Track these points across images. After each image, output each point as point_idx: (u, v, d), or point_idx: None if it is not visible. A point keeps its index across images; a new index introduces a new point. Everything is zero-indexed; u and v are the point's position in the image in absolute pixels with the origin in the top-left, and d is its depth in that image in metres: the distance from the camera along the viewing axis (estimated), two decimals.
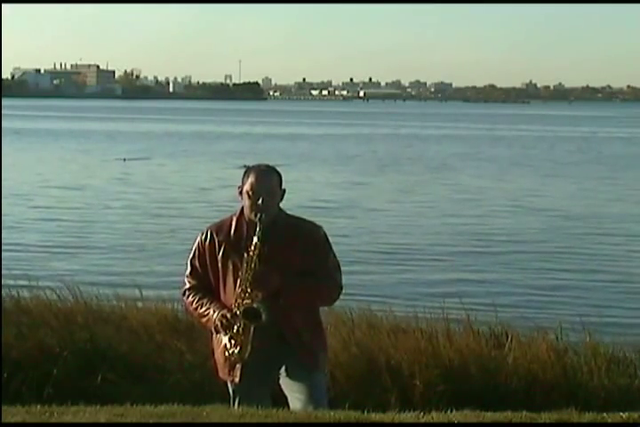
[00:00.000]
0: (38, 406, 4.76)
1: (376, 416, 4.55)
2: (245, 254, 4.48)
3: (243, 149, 45.75)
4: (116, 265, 14.62)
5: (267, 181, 4.55)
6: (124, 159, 37.02)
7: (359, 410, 4.70)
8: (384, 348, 6.77)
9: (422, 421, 4.51)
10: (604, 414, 4.73)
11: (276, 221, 4.56)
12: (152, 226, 19.34)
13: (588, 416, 4.71)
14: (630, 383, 6.71)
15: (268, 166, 4.65)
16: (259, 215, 4.49)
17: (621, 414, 4.72)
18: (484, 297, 11.67)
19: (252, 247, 4.46)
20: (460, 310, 7.64)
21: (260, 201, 4.51)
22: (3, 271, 9.82)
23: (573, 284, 13.83)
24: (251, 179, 4.56)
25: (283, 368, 4.60)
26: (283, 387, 4.63)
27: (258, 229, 4.47)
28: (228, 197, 23.07)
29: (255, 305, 4.44)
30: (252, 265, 4.46)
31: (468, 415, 4.61)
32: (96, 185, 27.48)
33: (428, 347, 6.75)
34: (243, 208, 4.61)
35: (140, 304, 7.81)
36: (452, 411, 4.75)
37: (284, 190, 4.63)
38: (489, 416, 4.59)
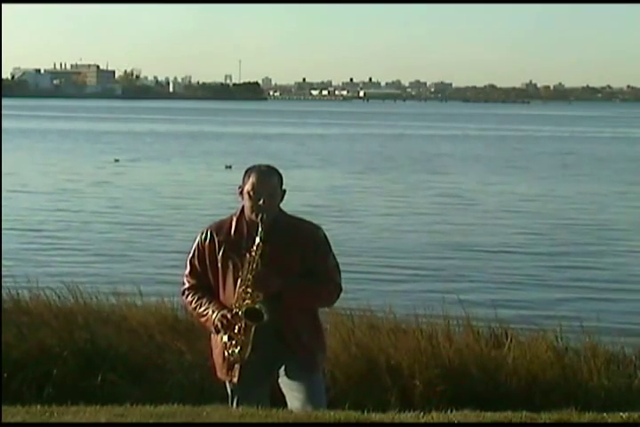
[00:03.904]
0: (38, 406, 4.76)
1: (376, 416, 4.55)
2: (247, 255, 4.48)
3: (237, 149, 45.65)
4: (116, 265, 14.63)
5: (267, 182, 4.55)
6: (116, 160, 36.89)
7: (359, 410, 4.71)
8: (384, 348, 6.77)
9: (422, 421, 4.51)
10: (604, 414, 4.73)
11: (276, 222, 4.56)
12: (150, 226, 19.33)
13: (588, 416, 4.71)
14: (630, 383, 6.71)
15: (268, 167, 4.65)
16: (260, 215, 4.49)
17: (621, 414, 4.72)
18: (483, 297, 11.67)
19: (255, 248, 4.47)
20: (460, 311, 7.64)
21: (260, 201, 4.51)
22: (3, 271, 9.82)
23: (573, 284, 13.83)
24: (252, 179, 4.56)
25: (282, 368, 4.60)
26: (281, 387, 4.63)
27: (260, 229, 4.48)
28: (219, 198, 23.29)
29: (257, 306, 4.44)
30: (254, 265, 4.46)
31: (468, 415, 4.61)
32: (89, 186, 27.40)
33: (427, 347, 6.75)
34: (243, 208, 4.62)
35: (139, 304, 7.81)
36: (452, 411, 4.75)
37: (285, 191, 4.63)
38: (489, 416, 4.59)
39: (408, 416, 4.61)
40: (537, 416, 4.60)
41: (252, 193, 4.54)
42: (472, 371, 6.63)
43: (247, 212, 4.58)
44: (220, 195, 24.49)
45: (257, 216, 4.50)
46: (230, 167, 33.31)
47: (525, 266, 15.11)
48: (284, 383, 4.61)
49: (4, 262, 11.32)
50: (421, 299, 11.44)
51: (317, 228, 4.68)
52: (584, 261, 15.75)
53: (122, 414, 4.52)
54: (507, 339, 7.14)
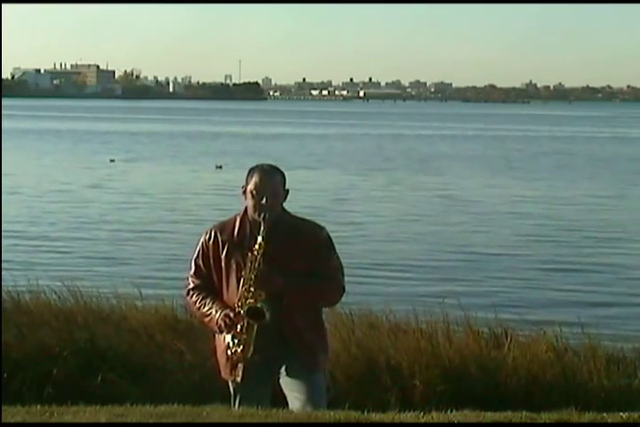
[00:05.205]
0: (38, 406, 4.76)
1: (376, 416, 4.55)
2: (249, 254, 4.48)
3: (233, 149, 45.59)
4: (116, 265, 14.63)
5: (270, 181, 4.55)
6: (112, 160, 36.84)
7: (359, 410, 4.70)
8: (384, 348, 6.77)
9: (422, 421, 4.50)
10: (604, 414, 4.73)
11: (279, 221, 4.56)
12: (145, 228, 19.34)
13: (588, 416, 4.71)
14: (630, 383, 6.71)
15: (271, 166, 4.65)
16: (262, 215, 4.49)
17: (621, 414, 4.72)
18: (483, 297, 11.68)
19: (257, 247, 4.47)
20: (460, 311, 7.64)
21: (263, 201, 4.51)
22: (3, 271, 9.82)
23: (572, 284, 13.84)
24: (254, 179, 4.55)
25: (283, 368, 4.60)
26: (282, 386, 4.63)
27: (262, 228, 4.48)
28: (210, 199, 23.30)
29: (259, 304, 4.45)
30: (256, 264, 4.46)
31: (468, 415, 4.61)
32: (85, 187, 27.37)
33: (427, 347, 6.75)
34: (246, 208, 4.61)
35: (139, 304, 7.81)
36: (452, 411, 4.75)
37: (288, 190, 4.63)
38: (489, 416, 4.59)
39: (408, 416, 4.61)
40: (537, 416, 4.60)
41: (254, 192, 4.53)
42: (472, 371, 6.62)
43: (250, 211, 4.58)
44: (211, 195, 24.54)
45: (259, 215, 4.51)
46: (221, 167, 33.33)
47: (525, 267, 15.11)
48: (285, 383, 4.61)
49: (4, 262, 11.31)
50: (421, 299, 11.45)
51: (321, 228, 4.67)
52: (584, 263, 15.74)
53: (122, 414, 4.52)
54: (507, 339, 7.14)
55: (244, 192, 4.59)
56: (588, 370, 6.73)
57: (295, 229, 4.59)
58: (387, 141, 56.23)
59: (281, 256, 4.51)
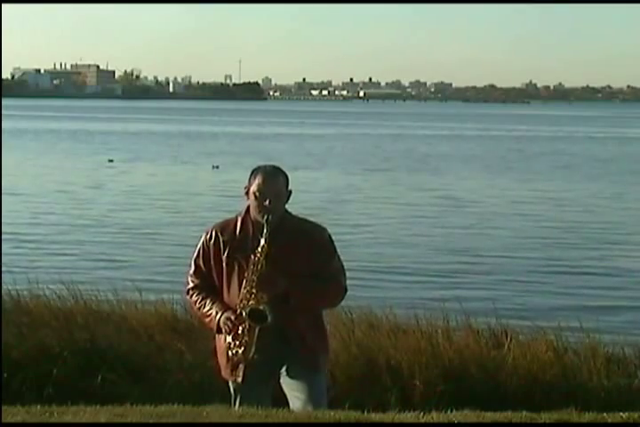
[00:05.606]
0: (38, 406, 4.75)
1: (376, 416, 4.55)
2: (252, 256, 4.47)
3: (232, 149, 45.58)
4: (116, 265, 14.63)
5: (274, 183, 4.54)
6: (110, 160, 36.83)
7: (359, 410, 4.70)
8: (384, 348, 6.77)
9: (422, 421, 4.50)
10: (604, 414, 4.73)
11: (281, 223, 4.55)
12: (147, 226, 19.34)
13: (587, 416, 4.71)
14: (630, 383, 6.71)
15: (274, 167, 4.64)
16: (265, 217, 4.48)
17: (621, 414, 4.72)
18: (483, 297, 11.67)
19: (260, 249, 4.46)
20: (460, 311, 7.64)
21: (266, 202, 4.50)
22: (3, 272, 9.82)
23: (573, 284, 13.83)
24: (258, 180, 4.54)
25: (284, 368, 4.60)
26: (283, 387, 4.63)
27: (265, 230, 4.47)
28: (208, 199, 23.28)
29: (261, 307, 4.44)
30: (259, 266, 4.45)
31: (468, 415, 4.60)
32: (84, 187, 27.36)
33: (427, 347, 6.75)
34: (248, 208, 4.61)
35: (139, 305, 7.81)
36: (452, 411, 4.74)
37: (291, 191, 4.62)
38: (489, 416, 4.58)
39: (408, 416, 4.61)
40: (537, 416, 4.60)
41: (257, 194, 4.52)
42: (472, 371, 6.62)
43: (253, 212, 4.57)
44: (208, 196, 24.52)
45: (263, 217, 4.50)
46: (218, 167, 33.34)
47: (525, 268, 15.10)
48: (286, 384, 4.61)
49: (4, 262, 11.30)
50: (421, 299, 11.45)
51: (323, 229, 4.67)
52: (584, 262, 15.74)
53: (122, 414, 4.51)
54: (507, 339, 7.14)
55: (247, 193, 4.59)
56: (588, 370, 6.73)
57: (297, 231, 4.58)
58: (386, 141, 56.19)
59: (283, 258, 4.49)
